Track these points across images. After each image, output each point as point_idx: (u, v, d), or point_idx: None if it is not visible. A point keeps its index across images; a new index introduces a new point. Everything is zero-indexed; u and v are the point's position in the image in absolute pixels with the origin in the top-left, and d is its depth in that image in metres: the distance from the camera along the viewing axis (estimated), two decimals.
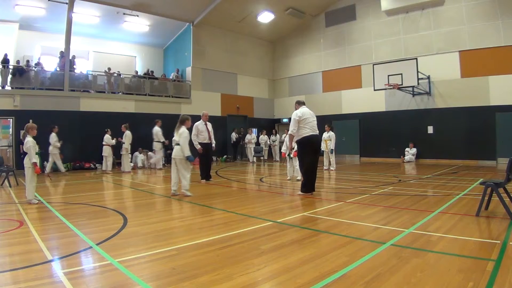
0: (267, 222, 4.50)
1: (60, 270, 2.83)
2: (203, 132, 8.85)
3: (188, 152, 6.60)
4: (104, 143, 12.06)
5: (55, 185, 9.12)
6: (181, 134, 6.62)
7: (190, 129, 6.83)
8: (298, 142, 6.54)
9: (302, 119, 6.38)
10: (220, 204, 6.03)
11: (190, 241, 3.65)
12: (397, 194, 6.61)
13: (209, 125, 9.04)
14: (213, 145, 9.18)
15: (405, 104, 15.14)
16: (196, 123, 8.89)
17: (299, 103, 6.77)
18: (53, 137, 11.32)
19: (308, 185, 6.51)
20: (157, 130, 12.62)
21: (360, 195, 6.47)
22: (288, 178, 9.09)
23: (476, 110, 13.17)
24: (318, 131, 6.61)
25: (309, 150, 6.43)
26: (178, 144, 6.68)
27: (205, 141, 8.84)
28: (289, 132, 6.54)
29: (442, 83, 14.06)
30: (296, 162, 8.92)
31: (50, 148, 11.30)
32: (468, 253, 3.11)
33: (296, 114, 6.46)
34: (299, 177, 8.82)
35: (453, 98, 13.77)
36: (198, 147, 8.68)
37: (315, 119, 6.60)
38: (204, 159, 8.99)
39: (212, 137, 9.05)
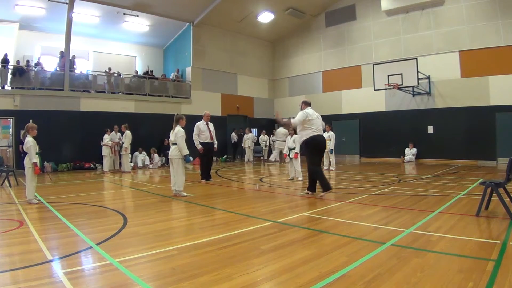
0: (267, 222, 4.50)
1: (60, 270, 2.83)
2: (205, 131, 8.84)
3: (186, 151, 6.57)
4: (103, 143, 12.06)
5: (55, 185, 9.12)
6: (176, 134, 6.60)
7: (185, 128, 6.81)
8: (305, 142, 6.48)
9: (309, 119, 6.36)
10: (220, 204, 6.04)
11: (190, 241, 3.65)
12: (397, 194, 6.61)
13: (211, 125, 9.03)
14: (215, 145, 9.19)
15: (405, 104, 15.14)
16: (198, 123, 8.88)
17: (306, 104, 6.68)
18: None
19: (324, 182, 6.32)
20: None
21: (360, 195, 6.47)
22: (290, 178, 9.09)
23: (476, 110, 13.17)
24: (322, 132, 6.62)
25: (316, 150, 6.42)
26: (174, 144, 6.68)
27: (206, 141, 8.84)
28: (292, 120, 6.42)
29: (442, 83, 14.06)
30: (297, 163, 8.92)
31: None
32: (468, 253, 3.11)
33: (304, 112, 6.38)
34: (300, 178, 8.82)
35: (453, 98, 13.77)
36: (199, 147, 8.67)
37: (320, 120, 6.60)
38: (205, 159, 8.99)
39: (214, 137, 9.06)
